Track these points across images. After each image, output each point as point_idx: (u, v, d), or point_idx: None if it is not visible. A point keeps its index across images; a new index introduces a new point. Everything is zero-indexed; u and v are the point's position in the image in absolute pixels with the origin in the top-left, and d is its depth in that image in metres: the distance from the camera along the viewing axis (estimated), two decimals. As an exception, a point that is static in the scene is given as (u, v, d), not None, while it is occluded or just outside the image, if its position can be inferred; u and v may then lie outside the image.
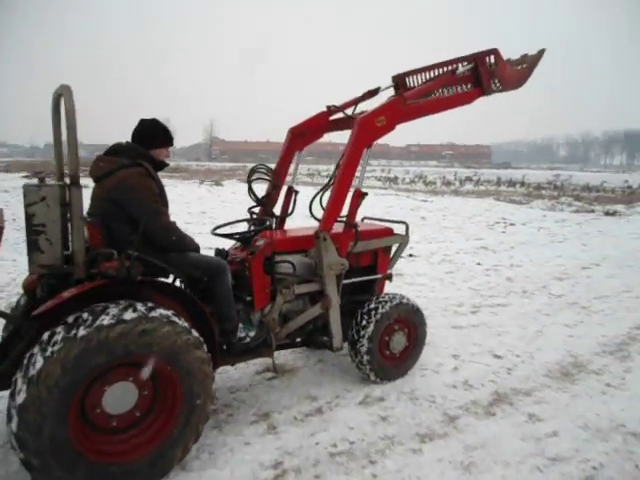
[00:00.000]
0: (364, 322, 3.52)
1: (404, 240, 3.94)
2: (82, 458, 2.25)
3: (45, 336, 2.27)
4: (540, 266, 8.13)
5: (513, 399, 3.54)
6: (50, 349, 2.18)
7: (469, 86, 3.97)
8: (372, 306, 3.59)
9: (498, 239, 10.89)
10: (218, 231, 3.39)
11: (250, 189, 3.73)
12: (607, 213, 17.94)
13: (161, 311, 2.45)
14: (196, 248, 3.02)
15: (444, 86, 3.96)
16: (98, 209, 2.79)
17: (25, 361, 2.23)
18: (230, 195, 20.24)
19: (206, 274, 3.00)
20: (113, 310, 2.33)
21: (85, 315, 2.30)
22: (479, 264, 8.15)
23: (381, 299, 3.64)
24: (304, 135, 4.09)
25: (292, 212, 4.05)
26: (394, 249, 4.00)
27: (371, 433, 3.04)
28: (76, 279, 2.50)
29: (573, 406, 3.45)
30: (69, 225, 2.50)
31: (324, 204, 3.44)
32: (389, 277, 3.95)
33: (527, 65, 4.12)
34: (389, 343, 3.64)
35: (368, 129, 3.31)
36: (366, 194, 3.41)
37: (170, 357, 2.43)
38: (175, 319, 2.47)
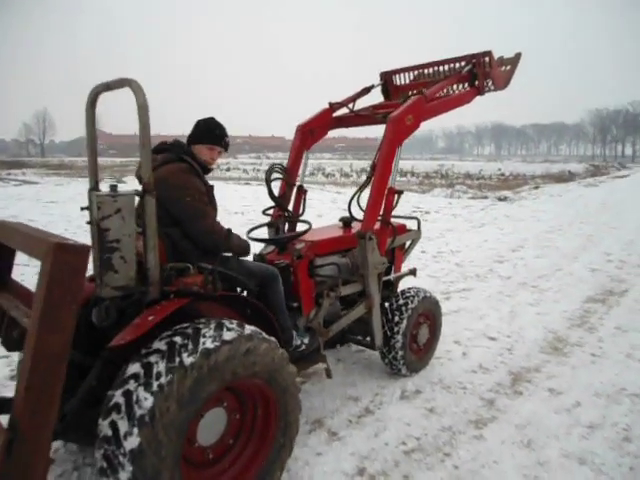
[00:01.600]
0: (397, 318, 3.57)
1: (418, 236, 4.05)
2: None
3: (134, 368, 1.99)
4: (476, 251, 8.81)
5: (528, 377, 3.85)
6: (156, 383, 1.90)
7: (466, 86, 4.17)
8: (401, 302, 3.65)
9: (425, 227, 11.56)
10: (253, 235, 3.21)
11: (269, 189, 3.55)
12: (499, 199, 19.85)
13: (250, 327, 2.27)
14: (246, 253, 2.82)
15: (450, 85, 4.10)
16: None
17: (116, 400, 1.93)
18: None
19: (260, 283, 2.83)
20: (208, 331, 2.11)
21: (179, 339, 2.05)
22: (423, 252, 8.60)
23: (407, 294, 3.71)
24: (312, 133, 3.99)
25: (303, 212, 3.94)
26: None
27: (429, 426, 3.12)
28: (150, 300, 2.21)
29: (578, 377, 3.85)
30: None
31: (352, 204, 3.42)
32: (414, 272, 4.04)
33: (510, 67, 4.43)
34: (416, 336, 3.74)
35: (401, 128, 3.34)
36: (402, 192, 3.44)
37: (269, 375, 2.27)
38: (265, 335, 2.31)
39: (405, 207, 15.72)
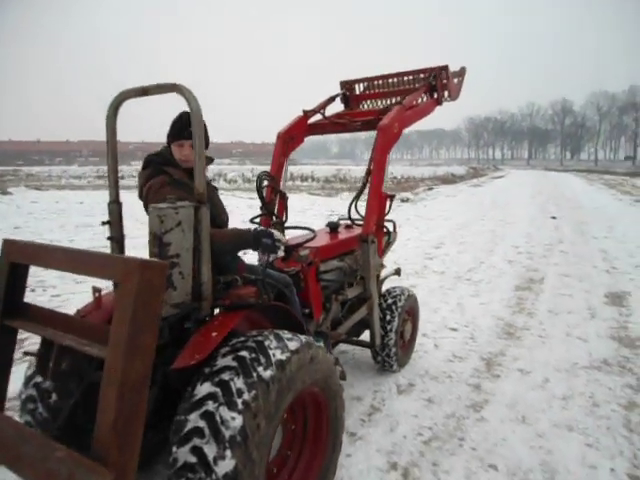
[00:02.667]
0: (388, 317, 3.74)
1: (394, 237, 4.26)
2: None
3: (206, 389, 1.90)
4: (404, 249, 9.33)
5: (498, 361, 4.25)
6: (239, 401, 1.84)
7: (426, 98, 4.48)
8: (390, 301, 3.83)
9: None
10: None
11: (261, 196, 3.51)
12: (402, 200, 21.10)
13: (301, 335, 2.28)
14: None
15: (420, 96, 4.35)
16: None
17: (194, 424, 1.83)
18: (52, 205, 17.27)
19: (279, 291, 2.82)
20: (271, 342, 2.08)
21: (246, 353, 2.00)
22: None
23: (394, 293, 3.90)
24: (292, 140, 4.02)
25: (287, 218, 3.95)
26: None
27: (435, 416, 3.33)
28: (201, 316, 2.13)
29: (536, 357, 4.33)
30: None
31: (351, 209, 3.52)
32: (399, 272, 4.22)
33: (460, 79, 4.85)
34: (403, 333, 3.94)
35: (390, 135, 3.52)
36: (394, 196, 3.62)
37: (324, 381, 2.29)
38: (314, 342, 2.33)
39: (322, 211, 16.18)
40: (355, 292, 3.46)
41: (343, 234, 3.75)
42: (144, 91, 2.15)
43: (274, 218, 3.65)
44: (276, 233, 2.41)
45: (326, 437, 2.37)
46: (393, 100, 4.56)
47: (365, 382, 3.79)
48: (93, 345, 1.77)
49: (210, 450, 1.78)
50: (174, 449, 1.85)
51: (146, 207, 2.37)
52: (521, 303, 5.93)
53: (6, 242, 2.08)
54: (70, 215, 15.09)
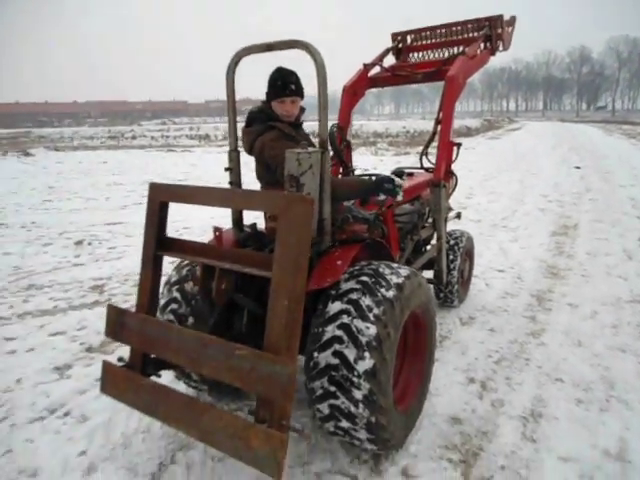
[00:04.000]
0: (451, 257, 4.08)
1: (456, 183, 4.51)
2: (396, 409, 2.38)
3: (338, 306, 2.25)
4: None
5: (547, 297, 4.60)
6: (371, 314, 2.20)
7: (481, 48, 4.62)
8: (452, 242, 4.16)
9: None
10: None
11: (334, 146, 3.77)
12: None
13: (406, 266, 2.61)
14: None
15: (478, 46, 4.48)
16: None
17: (333, 333, 2.19)
18: (76, 165, 17.61)
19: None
20: (385, 270, 2.42)
21: (367, 279, 2.34)
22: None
23: (455, 235, 4.23)
24: (355, 93, 4.24)
25: (352, 165, 4.21)
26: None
27: (499, 342, 3.71)
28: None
29: (582, 293, 4.67)
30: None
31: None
32: (459, 215, 4.54)
33: (511, 29, 4.95)
34: (463, 271, 4.29)
35: (457, 85, 3.73)
36: (460, 144, 3.87)
37: (426, 306, 2.64)
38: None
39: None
40: (426, 233, 3.78)
41: (410, 181, 4.03)
42: (268, 47, 2.40)
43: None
44: (396, 179, 2.67)
45: (424, 351, 2.75)
46: (444, 51, 4.71)
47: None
48: (253, 267, 2.11)
49: (350, 353, 2.15)
50: (315, 355, 2.23)
51: (257, 159, 2.66)
52: (560, 247, 6.23)
53: (153, 185, 2.40)
54: (97, 174, 15.43)
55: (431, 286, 2.75)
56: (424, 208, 3.84)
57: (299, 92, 2.67)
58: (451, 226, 4.94)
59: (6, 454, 2.54)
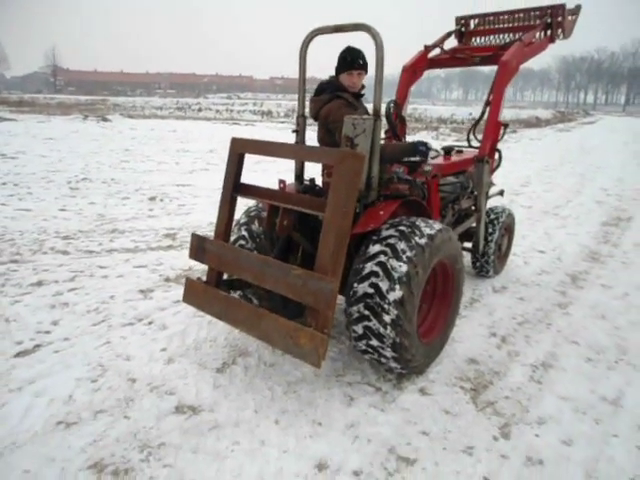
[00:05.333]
0: (490, 230, 4.42)
1: (500, 162, 4.81)
2: (419, 338, 2.84)
3: (377, 248, 2.71)
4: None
5: (582, 277, 4.83)
6: (404, 256, 2.64)
7: (540, 35, 4.82)
8: (492, 217, 4.48)
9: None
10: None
11: (389, 120, 4.18)
12: (484, 142, 20.70)
13: (439, 223, 3.02)
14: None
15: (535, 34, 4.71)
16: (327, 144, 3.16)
17: (371, 269, 2.66)
18: (148, 132, 18.87)
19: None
20: (420, 223, 2.84)
21: (404, 228, 2.78)
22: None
23: (496, 211, 4.55)
24: (415, 73, 4.60)
25: (405, 139, 4.60)
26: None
27: (526, 308, 4.04)
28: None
29: (618, 277, 4.85)
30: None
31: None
32: (502, 193, 4.86)
33: (574, 18, 5.09)
34: (501, 246, 4.61)
35: (510, 70, 4.01)
36: (507, 125, 4.17)
37: (455, 258, 3.06)
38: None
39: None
40: (467, 204, 4.14)
41: (457, 157, 4.38)
42: (336, 29, 2.85)
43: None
44: (430, 144, 3.10)
45: (450, 299, 3.17)
46: (505, 36, 4.94)
47: (465, 283, 4.53)
48: (310, 208, 2.61)
49: (384, 285, 2.62)
50: (355, 285, 2.71)
51: (322, 124, 3.14)
52: (607, 236, 6.33)
53: (234, 139, 2.94)
54: (167, 141, 16.46)
55: (463, 251, 3.12)
56: (468, 182, 4.18)
57: (364, 66, 3.17)
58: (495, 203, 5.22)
59: (106, 344, 3.23)
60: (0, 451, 2.19)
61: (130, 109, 38.35)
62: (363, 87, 3.29)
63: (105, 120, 22.65)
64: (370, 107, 2.95)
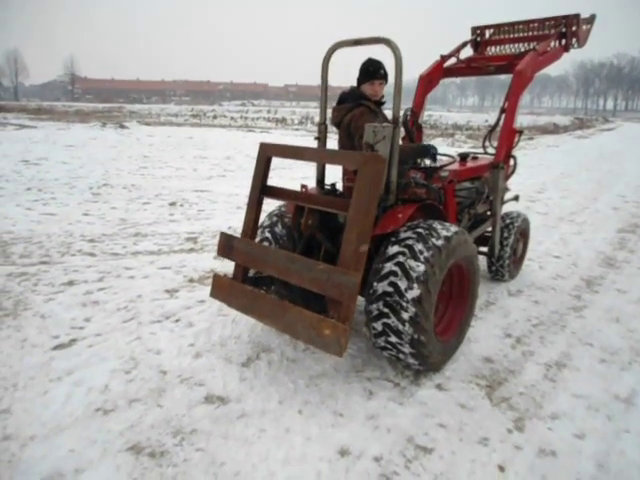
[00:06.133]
0: (506, 234, 4.51)
1: (515, 168, 4.91)
2: (436, 336, 2.96)
3: (396, 249, 2.84)
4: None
5: (598, 282, 4.89)
6: (422, 256, 2.77)
7: (555, 44, 4.92)
8: (507, 222, 4.58)
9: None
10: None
11: (406, 127, 4.32)
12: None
13: (455, 226, 3.14)
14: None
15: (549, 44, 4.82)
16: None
17: (390, 268, 2.79)
18: (165, 139, 19.27)
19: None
20: (438, 226, 2.97)
21: (422, 230, 2.91)
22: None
23: (512, 216, 4.64)
24: (431, 82, 4.74)
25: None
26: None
27: (541, 311, 4.13)
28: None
29: (634, 282, 4.89)
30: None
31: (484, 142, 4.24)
32: (517, 198, 4.96)
33: (589, 27, 5.18)
34: (516, 250, 4.70)
35: (524, 79, 4.13)
36: (522, 132, 4.28)
37: (470, 260, 3.17)
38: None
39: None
40: (482, 209, 4.24)
41: (472, 163, 4.49)
42: (356, 42, 3.01)
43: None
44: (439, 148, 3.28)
45: (465, 300, 3.29)
46: (520, 45, 5.05)
47: (480, 286, 4.63)
48: (334, 208, 2.77)
49: (402, 284, 2.75)
50: (375, 284, 2.84)
51: (344, 130, 3.30)
52: (623, 242, 6.36)
53: (262, 144, 3.11)
54: (184, 148, 16.79)
55: (480, 256, 3.24)
56: (483, 187, 4.29)
57: (385, 76, 3.35)
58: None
59: (137, 339, 3.41)
60: (47, 433, 2.37)
61: (146, 116, 39.08)
62: (383, 96, 3.46)
63: (123, 127, 23.20)
64: (389, 114, 3.09)
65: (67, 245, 5.59)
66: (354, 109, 3.28)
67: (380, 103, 3.43)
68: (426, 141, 4.51)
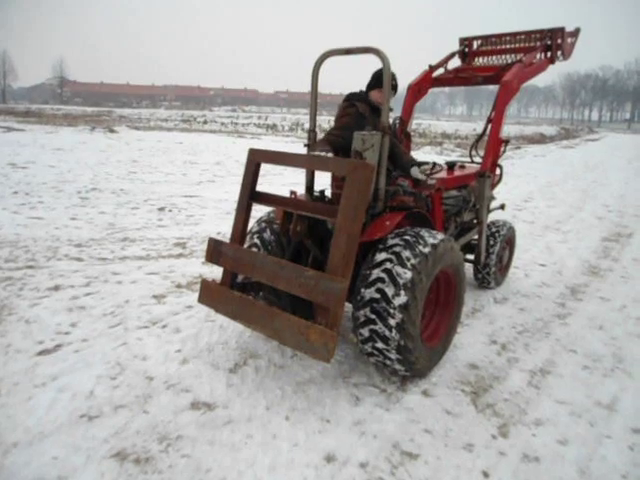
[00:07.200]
0: (491, 242, 4.57)
1: (501, 177, 4.98)
2: (422, 342, 2.98)
3: (383, 256, 2.87)
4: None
5: (582, 290, 4.96)
6: (409, 263, 2.80)
7: (540, 57, 5.02)
8: (493, 230, 4.64)
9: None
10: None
11: (395, 136, 4.37)
12: (488, 157, 20.93)
13: (442, 234, 3.18)
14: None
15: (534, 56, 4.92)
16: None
17: (378, 275, 2.82)
18: (155, 144, 19.19)
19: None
20: (424, 233, 3.01)
21: (409, 238, 2.94)
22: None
23: (498, 224, 4.71)
24: (420, 91, 4.81)
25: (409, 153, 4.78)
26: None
27: (526, 318, 4.18)
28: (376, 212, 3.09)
29: (617, 290, 4.99)
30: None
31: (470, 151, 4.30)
32: (503, 207, 5.03)
33: (574, 40, 5.30)
34: (502, 258, 4.76)
35: (511, 90, 4.21)
36: (509, 141, 4.35)
37: (456, 267, 3.22)
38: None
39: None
40: (469, 217, 4.30)
41: (459, 171, 4.55)
42: (347, 51, 3.05)
43: None
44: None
45: (452, 307, 3.33)
46: (507, 57, 5.15)
47: (467, 294, 4.67)
48: (322, 214, 2.78)
49: (389, 290, 2.78)
50: (362, 290, 2.87)
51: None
52: (607, 251, 6.47)
53: (251, 150, 3.13)
54: (174, 153, 16.73)
55: (466, 262, 3.29)
56: (470, 196, 4.35)
57: (395, 87, 3.42)
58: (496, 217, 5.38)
59: (123, 345, 3.39)
60: (30, 439, 2.35)
61: (136, 121, 38.86)
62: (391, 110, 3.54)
63: (112, 131, 23.05)
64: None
65: (54, 249, 5.54)
66: (345, 108, 3.36)
67: (377, 109, 3.47)
68: (415, 150, 4.54)
